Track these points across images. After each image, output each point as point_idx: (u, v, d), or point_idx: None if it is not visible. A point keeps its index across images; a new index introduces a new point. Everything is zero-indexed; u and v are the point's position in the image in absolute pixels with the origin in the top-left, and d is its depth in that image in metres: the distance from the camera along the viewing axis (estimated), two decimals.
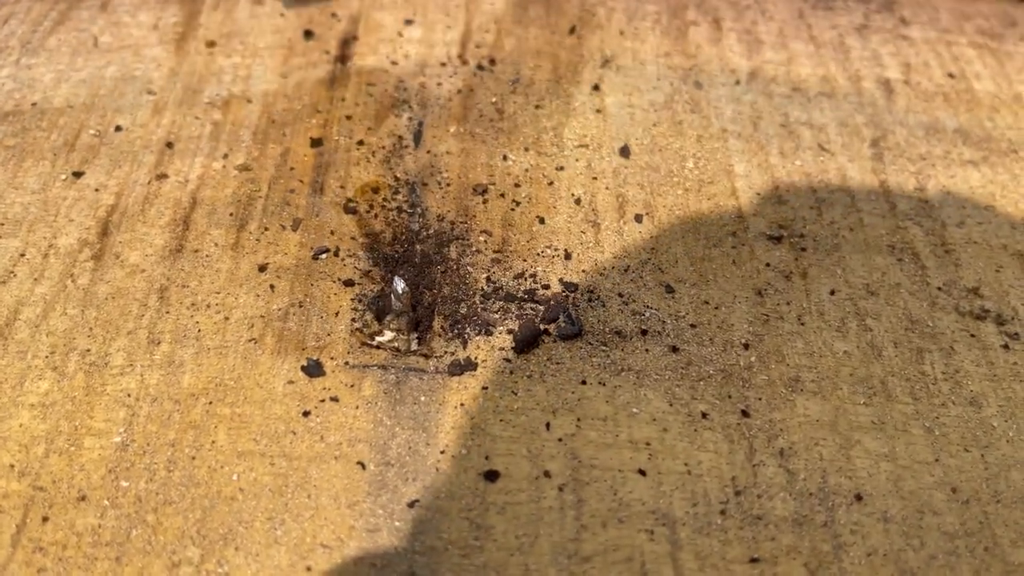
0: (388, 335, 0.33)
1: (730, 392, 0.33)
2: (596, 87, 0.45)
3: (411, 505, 0.29)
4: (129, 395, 0.32)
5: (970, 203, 0.41)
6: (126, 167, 0.40)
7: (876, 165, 0.42)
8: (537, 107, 0.44)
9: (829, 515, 0.30)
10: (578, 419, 0.32)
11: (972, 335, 0.35)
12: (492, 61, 0.47)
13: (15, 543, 0.28)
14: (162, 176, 0.39)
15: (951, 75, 0.48)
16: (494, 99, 0.45)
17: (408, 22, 0.49)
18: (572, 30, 0.49)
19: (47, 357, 0.33)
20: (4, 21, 0.47)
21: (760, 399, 0.33)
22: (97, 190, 0.39)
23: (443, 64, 0.46)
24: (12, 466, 0.30)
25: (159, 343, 0.33)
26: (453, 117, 0.43)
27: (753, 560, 0.28)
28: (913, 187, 0.41)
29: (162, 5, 0.49)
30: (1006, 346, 0.35)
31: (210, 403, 0.31)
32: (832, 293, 0.36)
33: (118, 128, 0.42)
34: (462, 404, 0.32)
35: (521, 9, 0.50)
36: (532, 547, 0.28)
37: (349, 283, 0.35)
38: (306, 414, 0.31)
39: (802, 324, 0.35)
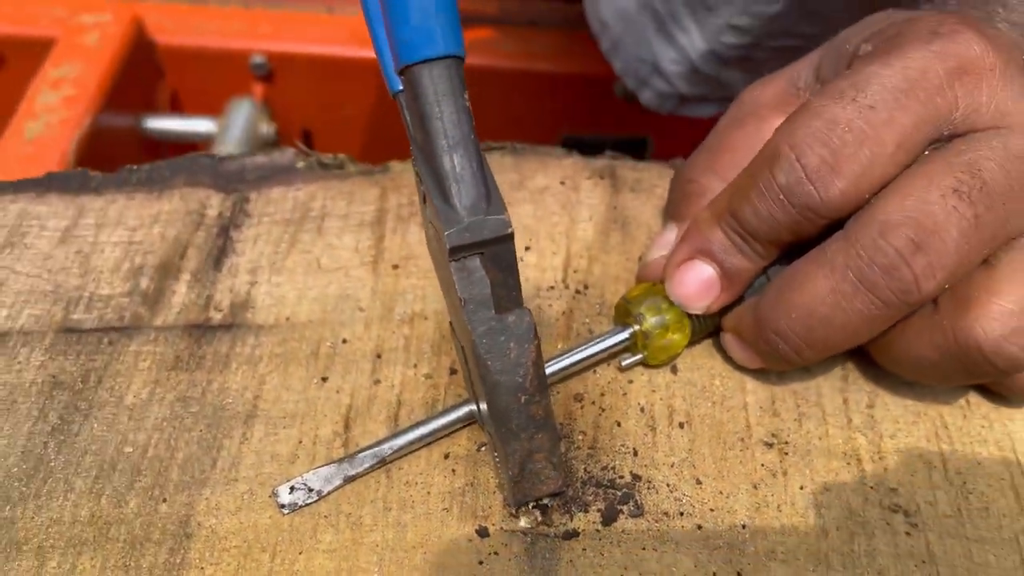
0: (523, 521, 0.55)
1: (731, 558, 0.55)
2: None
3: None
4: (377, 545, 0.54)
5: (902, 419, 0.62)
6: (354, 374, 0.62)
7: (843, 384, 0.63)
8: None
9: None
10: (640, 574, 0.54)
11: (887, 523, 0.57)
12: (585, 286, 0.68)
13: None
14: (377, 382, 0.62)
15: None
16: (587, 320, 0.66)
17: (527, 248, 0.70)
18: (640, 259, 0.70)
19: (326, 517, 0.55)
20: (254, 241, 0.70)
21: (749, 564, 0.54)
22: (338, 392, 0.61)
23: (551, 288, 0.68)
24: None
25: (390, 509, 0.56)
26: (559, 336, 0.65)
27: None
28: (865, 405, 0.62)
29: (359, 228, 0.71)
30: (908, 533, 0.56)
31: (425, 553, 0.54)
32: (801, 488, 0.58)
33: (344, 341, 0.64)
34: (571, 561, 0.54)
35: (604, 236, 0.72)
36: None
37: None
38: (480, 563, 0.54)
39: (780, 511, 0.57)
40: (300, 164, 0.75)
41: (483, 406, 0.53)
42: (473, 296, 0.47)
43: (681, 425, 0.61)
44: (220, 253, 0.69)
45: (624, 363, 0.62)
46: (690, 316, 0.61)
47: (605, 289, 0.68)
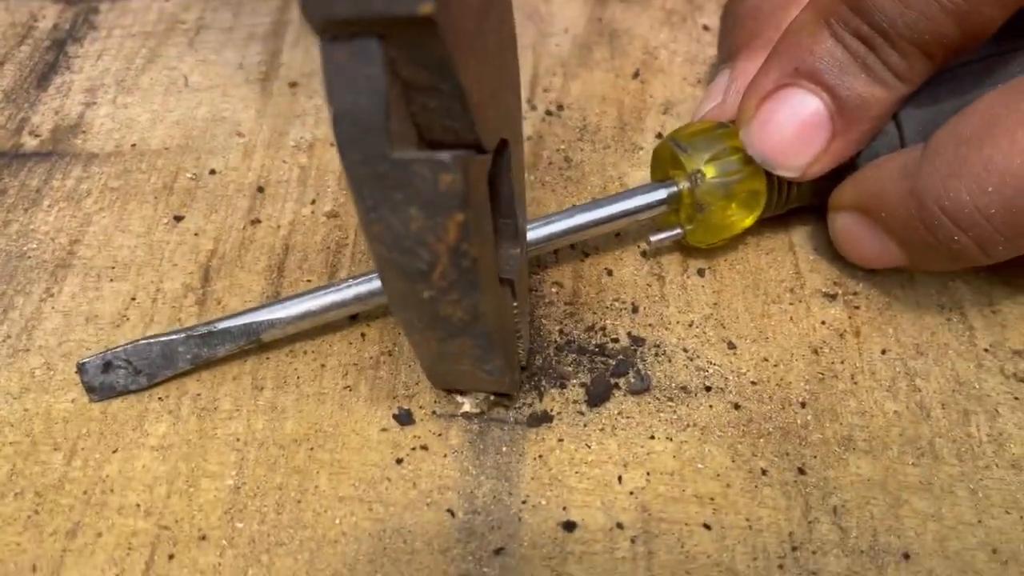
0: (467, 405, 0.36)
1: (787, 450, 0.35)
2: (659, 135, 0.48)
3: (497, 552, 0.32)
4: (238, 439, 0.35)
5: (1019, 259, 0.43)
6: (222, 212, 0.43)
7: None
8: (603, 156, 0.46)
9: (879, 573, 0.32)
10: (647, 473, 0.34)
11: (1016, 398, 0.38)
12: (560, 106, 0.49)
13: None
14: (255, 221, 0.42)
15: None
16: (562, 146, 0.47)
17: None
18: (636, 74, 0.51)
19: (161, 400, 0.36)
20: (97, 57, 0.50)
21: (815, 457, 0.35)
22: (196, 235, 0.42)
23: None
24: (138, 505, 0.33)
25: (262, 389, 0.36)
26: (525, 165, 0.46)
27: None
28: None
29: (246, 42, 0.51)
30: None
31: (311, 449, 0.35)
32: (883, 352, 0.39)
33: (212, 171, 0.44)
34: (540, 456, 0.35)
35: (586, 51, 0.52)
36: None
37: None
38: (399, 461, 0.34)
39: (855, 383, 0.38)
40: None
41: None
42: (350, 109, 0.25)
43: (701, 272, 0.41)
44: (48, 69, 0.49)
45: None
46: (771, 180, 0.39)
47: (588, 110, 0.49)
